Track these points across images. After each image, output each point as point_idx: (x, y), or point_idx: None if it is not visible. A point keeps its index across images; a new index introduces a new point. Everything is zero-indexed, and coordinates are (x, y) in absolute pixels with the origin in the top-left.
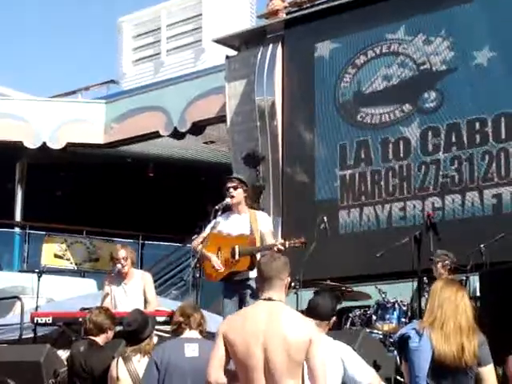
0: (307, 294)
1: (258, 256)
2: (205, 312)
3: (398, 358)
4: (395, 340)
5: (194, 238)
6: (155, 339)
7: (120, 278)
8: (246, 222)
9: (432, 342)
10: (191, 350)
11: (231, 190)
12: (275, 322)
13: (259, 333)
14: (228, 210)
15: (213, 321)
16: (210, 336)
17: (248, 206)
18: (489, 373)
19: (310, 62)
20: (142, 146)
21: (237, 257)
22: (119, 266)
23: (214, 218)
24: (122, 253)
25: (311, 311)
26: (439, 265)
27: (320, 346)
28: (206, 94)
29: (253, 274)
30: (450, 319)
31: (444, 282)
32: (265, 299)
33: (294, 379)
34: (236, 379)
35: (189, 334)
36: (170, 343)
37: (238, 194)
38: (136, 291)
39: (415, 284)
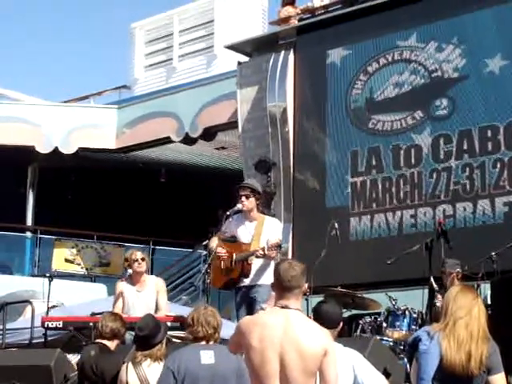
0: (318, 301)
1: (256, 261)
2: None
3: (407, 366)
4: (409, 342)
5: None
6: None
7: (132, 282)
8: (253, 229)
9: (441, 347)
10: (208, 357)
11: (243, 198)
12: (292, 331)
13: (276, 341)
14: (240, 212)
15: (223, 326)
16: (221, 341)
17: (260, 211)
18: (499, 381)
19: (321, 68)
20: (154, 151)
21: (233, 265)
22: (135, 265)
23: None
24: (139, 254)
25: (321, 320)
26: (453, 276)
27: (335, 358)
28: (218, 100)
29: (261, 280)
30: (462, 326)
31: (460, 288)
32: (282, 307)
33: None
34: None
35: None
36: (185, 351)
37: (249, 203)
38: (149, 297)
39: (426, 291)
